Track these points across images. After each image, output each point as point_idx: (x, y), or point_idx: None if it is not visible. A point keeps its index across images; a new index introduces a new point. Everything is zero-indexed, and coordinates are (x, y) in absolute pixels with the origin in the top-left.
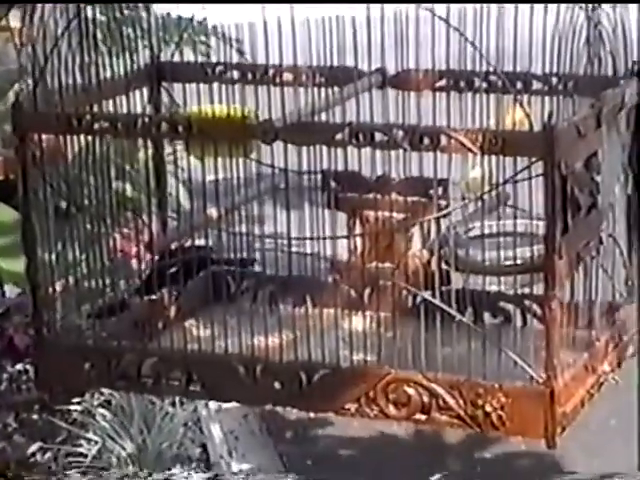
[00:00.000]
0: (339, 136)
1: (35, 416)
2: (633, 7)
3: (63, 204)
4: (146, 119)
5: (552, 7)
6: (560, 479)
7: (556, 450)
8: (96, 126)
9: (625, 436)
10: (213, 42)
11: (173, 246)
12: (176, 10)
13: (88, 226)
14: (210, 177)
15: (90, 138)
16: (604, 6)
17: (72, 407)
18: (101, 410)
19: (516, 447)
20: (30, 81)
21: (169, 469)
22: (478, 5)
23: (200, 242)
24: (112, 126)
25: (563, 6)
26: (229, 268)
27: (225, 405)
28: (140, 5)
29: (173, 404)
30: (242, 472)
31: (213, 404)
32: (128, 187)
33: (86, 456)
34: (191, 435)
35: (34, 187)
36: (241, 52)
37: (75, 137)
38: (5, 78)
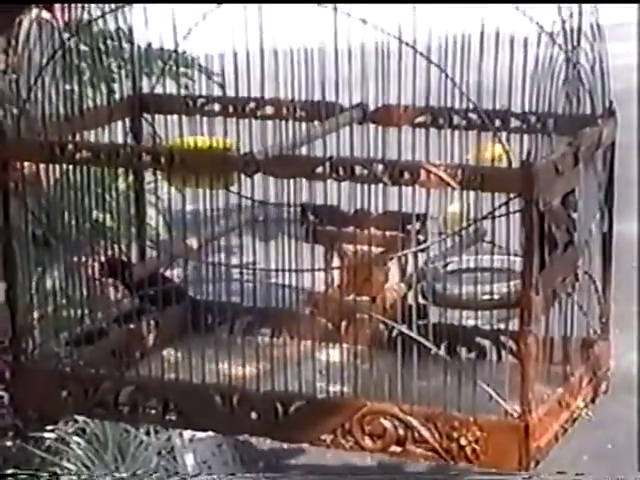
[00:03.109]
0: (319, 169)
1: (9, 443)
2: (612, 45)
3: (43, 232)
4: (128, 149)
5: (532, 46)
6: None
7: None
8: (78, 155)
9: (597, 472)
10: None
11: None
12: (158, 41)
13: (67, 255)
14: (190, 207)
15: (70, 167)
16: (583, 45)
17: (46, 434)
18: (76, 438)
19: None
20: (12, 109)
21: None
22: (459, 41)
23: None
24: (94, 155)
25: (543, 45)
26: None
27: (199, 435)
28: (123, 36)
29: (147, 433)
30: None
31: (187, 433)
32: (108, 217)
33: None
34: (165, 464)
35: (14, 214)
36: (222, 86)
37: (55, 166)
38: None
